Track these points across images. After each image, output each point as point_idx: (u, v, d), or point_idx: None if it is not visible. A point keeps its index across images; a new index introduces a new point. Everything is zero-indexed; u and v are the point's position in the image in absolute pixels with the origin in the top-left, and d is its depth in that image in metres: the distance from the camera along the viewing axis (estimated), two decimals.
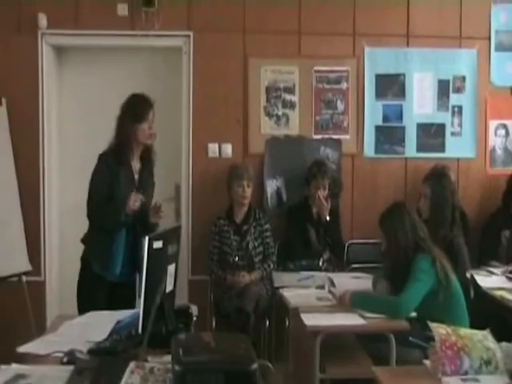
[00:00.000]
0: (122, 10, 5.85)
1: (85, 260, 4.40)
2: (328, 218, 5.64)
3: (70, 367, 2.67)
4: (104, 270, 4.32)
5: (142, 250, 4.18)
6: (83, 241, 4.46)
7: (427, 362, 3.04)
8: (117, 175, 4.33)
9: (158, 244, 2.94)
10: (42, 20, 5.77)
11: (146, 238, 2.85)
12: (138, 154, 4.51)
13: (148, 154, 4.58)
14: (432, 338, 3.86)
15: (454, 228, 4.95)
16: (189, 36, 5.91)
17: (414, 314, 4.10)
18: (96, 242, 4.38)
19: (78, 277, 4.43)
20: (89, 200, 4.36)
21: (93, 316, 3.62)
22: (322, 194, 5.65)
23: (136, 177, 4.48)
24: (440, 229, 4.86)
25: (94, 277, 4.33)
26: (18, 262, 5.38)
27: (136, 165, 4.50)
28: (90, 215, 4.37)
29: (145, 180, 4.55)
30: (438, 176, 5.28)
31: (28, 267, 5.38)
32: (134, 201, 4.28)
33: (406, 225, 4.24)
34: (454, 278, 4.19)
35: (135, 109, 4.43)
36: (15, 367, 2.75)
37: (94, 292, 4.30)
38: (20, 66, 5.81)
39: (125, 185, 4.36)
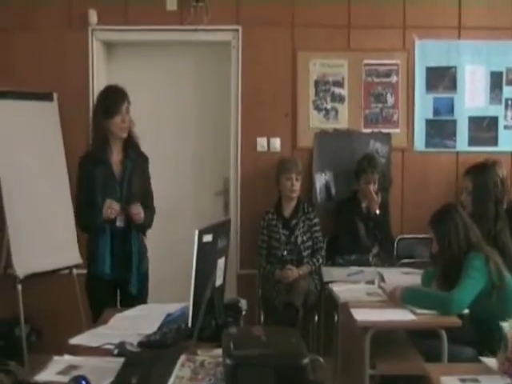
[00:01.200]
0: (171, 4, 5.87)
1: (85, 261, 4.52)
2: (378, 212, 5.59)
3: (121, 359, 2.68)
4: (97, 270, 4.30)
5: (133, 246, 4.35)
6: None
7: (485, 360, 2.98)
8: (95, 176, 4.23)
9: (207, 237, 2.94)
10: (93, 16, 5.83)
11: (196, 232, 2.84)
12: (118, 148, 4.34)
13: (130, 143, 4.39)
14: (485, 336, 3.83)
15: (499, 222, 4.82)
16: (237, 30, 5.91)
17: (466, 311, 4.03)
18: (87, 243, 4.45)
19: (85, 282, 4.49)
20: (74, 207, 4.49)
21: (143, 309, 3.65)
22: (372, 188, 5.61)
23: (117, 171, 4.30)
24: (483, 223, 4.73)
25: (92, 277, 4.38)
26: (69, 255, 5.43)
27: (116, 159, 4.33)
28: (76, 221, 4.54)
29: (129, 170, 4.33)
30: (479, 169, 5.13)
31: (79, 260, 5.42)
32: (108, 208, 4.17)
33: (458, 229, 4.18)
34: (508, 277, 4.12)
35: (105, 103, 4.27)
36: (68, 358, 2.80)
37: (95, 292, 4.35)
38: (71, 61, 5.88)
39: (104, 185, 4.24)
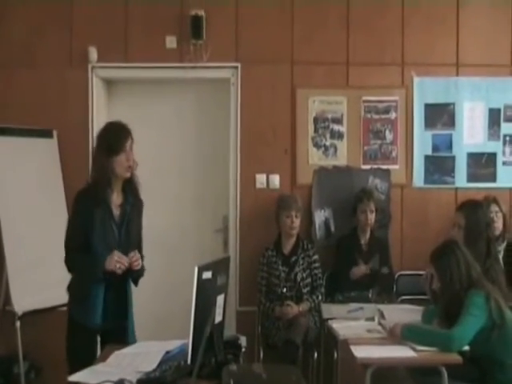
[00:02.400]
0: (171, 42, 5.92)
1: (70, 315, 4.00)
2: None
3: None
4: (84, 319, 3.91)
5: (128, 294, 4.06)
6: (68, 288, 4.06)
7: None
8: (93, 216, 3.86)
9: (207, 274, 2.93)
10: (93, 53, 5.89)
11: (196, 268, 2.83)
12: (118, 188, 4.02)
13: (130, 186, 4.07)
14: (486, 374, 3.80)
15: (488, 260, 4.77)
16: (237, 67, 5.95)
17: (467, 348, 4.00)
18: (75, 289, 3.99)
19: (66, 335, 4.02)
20: (65, 246, 3.94)
21: (142, 346, 3.61)
22: (369, 217, 5.63)
23: (117, 213, 3.99)
24: None
25: (76, 326, 3.94)
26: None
27: (116, 200, 4.01)
28: (66, 262, 3.94)
29: (128, 214, 4.03)
30: (472, 207, 5.11)
31: None
32: (117, 262, 3.84)
33: (460, 265, 4.16)
34: (509, 314, 4.09)
35: (109, 140, 3.95)
36: None
37: (77, 342, 3.91)
38: (71, 98, 5.91)
39: (101, 228, 3.90)
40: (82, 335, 3.90)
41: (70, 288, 4.01)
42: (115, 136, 3.96)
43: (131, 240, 4.04)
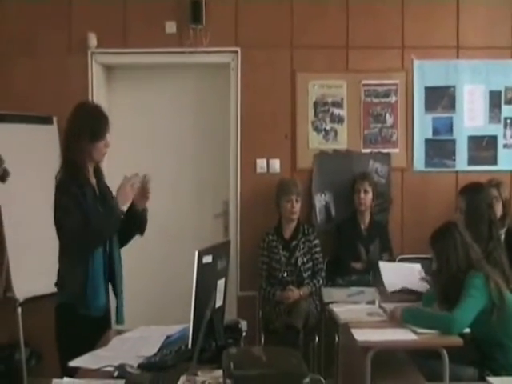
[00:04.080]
0: (170, 27, 5.91)
1: (65, 306, 3.72)
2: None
3: (121, 381, 2.68)
4: (89, 308, 3.69)
5: (116, 265, 3.83)
6: (60, 286, 3.80)
7: (490, 380, 2.96)
8: (85, 197, 3.71)
9: (207, 259, 2.93)
10: (92, 39, 5.87)
11: (196, 253, 2.83)
12: (91, 172, 3.87)
13: (98, 169, 3.94)
14: (487, 356, 3.80)
15: (491, 243, 4.77)
16: (236, 52, 5.94)
17: (467, 330, 4.01)
18: (74, 282, 3.71)
19: (59, 326, 3.75)
20: (74, 236, 3.67)
21: (143, 331, 3.62)
22: (362, 196, 5.67)
23: (97, 193, 3.86)
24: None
25: (80, 319, 3.67)
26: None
27: (93, 181, 3.87)
28: (86, 243, 3.69)
29: (104, 193, 3.90)
30: (473, 189, 5.10)
31: None
32: (124, 194, 3.72)
33: (457, 247, 4.17)
34: (508, 296, 4.10)
35: (93, 126, 3.76)
36: (67, 381, 2.77)
37: (81, 335, 3.59)
38: (71, 85, 5.90)
39: (94, 206, 3.74)
40: (86, 327, 3.65)
41: (67, 282, 3.75)
42: (99, 122, 3.79)
43: None
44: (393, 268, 5.04)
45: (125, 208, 3.82)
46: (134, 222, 3.91)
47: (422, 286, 4.62)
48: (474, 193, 4.99)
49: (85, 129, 3.74)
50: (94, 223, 3.66)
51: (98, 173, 3.95)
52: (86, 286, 3.69)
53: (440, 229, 4.33)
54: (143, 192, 3.88)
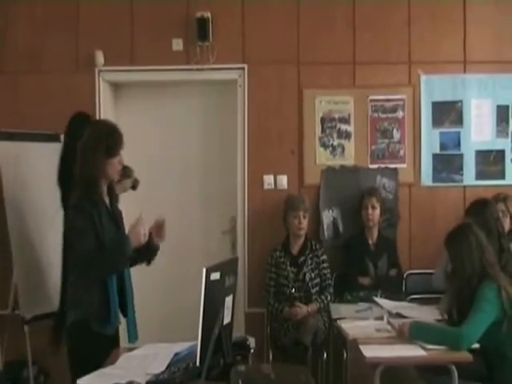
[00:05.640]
0: (177, 45, 5.93)
1: (80, 323, 3.71)
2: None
3: None
4: (104, 326, 3.72)
5: (127, 284, 3.86)
6: (74, 303, 3.77)
7: None
8: (100, 217, 3.73)
9: (215, 276, 2.92)
10: (99, 57, 5.90)
11: (204, 270, 2.82)
12: (105, 189, 3.89)
13: (111, 189, 3.96)
14: (493, 369, 3.76)
15: (503, 256, 4.77)
16: (243, 69, 5.96)
17: (476, 346, 3.98)
18: (92, 300, 3.71)
19: (72, 343, 3.77)
20: (86, 261, 3.65)
21: (151, 348, 3.61)
22: (370, 212, 5.65)
23: (111, 214, 3.89)
24: None
25: (94, 337, 3.68)
26: None
27: (106, 200, 3.89)
28: (94, 271, 3.68)
29: (117, 213, 3.96)
30: (480, 206, 5.11)
31: None
32: (137, 235, 3.69)
33: (472, 249, 4.11)
34: None
35: (109, 142, 3.78)
36: None
37: (93, 352, 3.58)
38: (78, 102, 5.88)
39: (108, 227, 3.77)
40: (100, 345, 3.65)
41: (82, 301, 3.72)
42: (114, 138, 3.82)
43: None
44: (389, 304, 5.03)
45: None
46: (143, 255, 3.94)
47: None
48: (480, 209, 4.99)
49: (101, 144, 3.75)
50: (106, 258, 3.67)
51: (111, 193, 3.95)
52: (104, 305, 3.71)
53: (455, 230, 4.29)
54: (158, 232, 3.91)
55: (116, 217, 3.93)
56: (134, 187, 4.99)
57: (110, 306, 3.74)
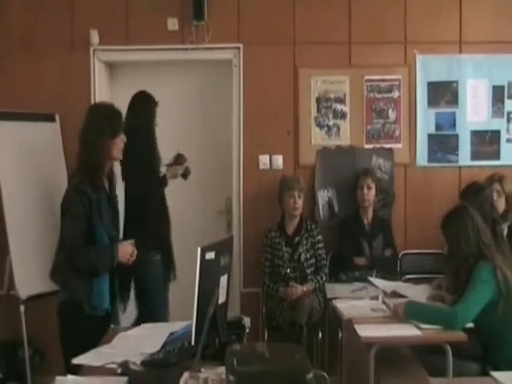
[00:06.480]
0: (172, 24, 5.90)
1: (70, 303, 3.81)
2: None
3: (124, 378, 2.67)
4: (94, 308, 3.78)
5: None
6: (63, 284, 3.90)
7: (494, 374, 2.96)
8: (99, 204, 3.81)
9: (210, 255, 2.92)
10: (94, 37, 5.88)
11: (199, 249, 2.83)
12: (107, 172, 3.97)
13: (112, 168, 4.06)
14: (488, 350, 3.77)
15: (495, 241, 4.77)
16: (239, 48, 5.93)
17: (471, 325, 4.00)
18: (80, 283, 3.78)
19: (63, 323, 3.85)
20: (71, 247, 3.77)
21: (146, 328, 3.62)
22: (366, 192, 5.66)
23: (109, 198, 3.97)
24: None
25: (84, 317, 3.75)
26: None
27: (106, 184, 3.97)
28: (77, 262, 3.76)
29: (113, 197, 4.04)
30: (474, 191, 5.11)
31: None
32: (125, 254, 3.88)
33: (468, 229, 4.13)
34: None
35: (112, 123, 3.90)
36: (71, 378, 2.78)
37: (85, 332, 3.65)
38: (73, 82, 5.90)
39: (105, 214, 3.86)
40: (93, 325, 3.73)
41: (72, 281, 3.82)
42: (116, 118, 3.94)
43: (119, 225, 4.13)
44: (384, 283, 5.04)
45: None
46: None
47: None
48: (475, 195, 5.00)
49: (106, 125, 3.87)
50: (91, 258, 3.76)
51: (112, 176, 4.03)
52: (92, 289, 3.78)
53: (451, 212, 4.30)
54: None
55: (114, 202, 4.01)
56: (184, 176, 5.18)
57: (100, 291, 3.81)
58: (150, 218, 4.89)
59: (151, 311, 4.91)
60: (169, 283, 5.08)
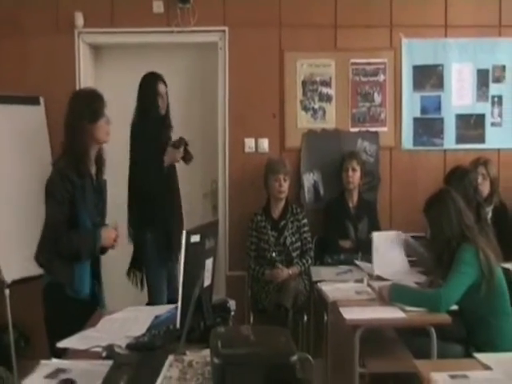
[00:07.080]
0: (158, 7, 5.88)
1: (53, 286, 3.79)
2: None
3: (109, 362, 2.67)
4: (76, 292, 3.75)
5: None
6: (46, 267, 3.87)
7: (477, 356, 2.99)
8: (84, 190, 3.77)
9: (195, 238, 2.92)
10: (79, 19, 5.84)
11: (184, 232, 2.82)
12: (93, 157, 3.91)
13: (100, 153, 3.98)
14: (470, 332, 3.79)
15: (478, 225, 4.78)
16: (224, 31, 5.91)
17: (455, 307, 4.02)
18: (62, 266, 3.76)
19: (47, 306, 3.83)
20: (54, 231, 3.73)
21: (131, 311, 3.62)
22: (350, 175, 5.67)
23: (95, 184, 3.92)
24: None
25: (68, 300, 3.73)
26: None
27: (93, 170, 3.92)
28: (59, 247, 3.72)
29: (100, 183, 3.99)
30: (458, 176, 5.14)
31: None
32: (109, 239, 3.86)
33: (451, 212, 4.15)
34: (498, 269, 4.10)
35: (91, 106, 3.86)
36: (55, 362, 2.77)
37: (69, 316, 3.60)
38: (57, 65, 5.87)
39: (90, 200, 3.82)
40: (77, 308, 3.69)
41: (54, 263, 3.80)
42: (96, 102, 3.90)
43: (105, 211, 4.06)
44: (386, 240, 5.02)
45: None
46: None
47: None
48: (459, 179, 5.03)
49: (84, 110, 3.83)
50: (73, 242, 3.72)
51: (100, 161, 3.98)
52: (74, 273, 3.76)
53: (433, 196, 4.33)
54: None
55: (100, 188, 3.97)
56: (185, 160, 5.11)
57: (81, 275, 3.79)
58: (145, 199, 4.91)
59: (148, 292, 4.96)
60: (169, 264, 4.98)
